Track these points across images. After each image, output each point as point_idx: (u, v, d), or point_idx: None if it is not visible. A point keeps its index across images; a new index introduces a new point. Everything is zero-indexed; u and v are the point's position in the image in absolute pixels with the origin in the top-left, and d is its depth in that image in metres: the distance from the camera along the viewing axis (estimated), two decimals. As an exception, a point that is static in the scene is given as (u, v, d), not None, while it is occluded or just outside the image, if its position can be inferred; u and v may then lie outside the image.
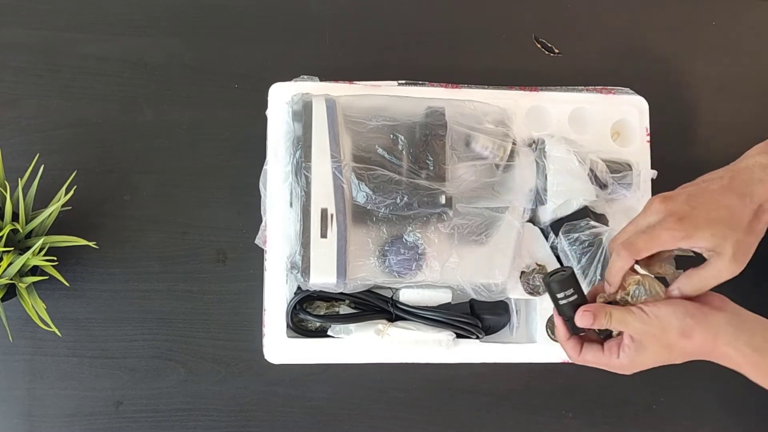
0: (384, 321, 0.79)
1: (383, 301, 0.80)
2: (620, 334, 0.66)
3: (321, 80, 0.82)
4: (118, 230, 0.85)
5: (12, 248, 0.72)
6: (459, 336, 0.80)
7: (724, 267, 0.62)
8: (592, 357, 0.66)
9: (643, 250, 0.63)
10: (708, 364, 0.93)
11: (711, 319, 0.62)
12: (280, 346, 0.79)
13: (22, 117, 0.85)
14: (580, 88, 0.89)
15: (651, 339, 0.62)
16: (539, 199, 0.80)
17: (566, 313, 0.66)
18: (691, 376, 0.92)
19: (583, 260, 0.78)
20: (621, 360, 0.64)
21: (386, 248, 0.77)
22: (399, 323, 0.79)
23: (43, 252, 0.72)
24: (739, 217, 0.62)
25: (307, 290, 0.77)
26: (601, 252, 0.78)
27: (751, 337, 0.62)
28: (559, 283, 0.66)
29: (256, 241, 0.80)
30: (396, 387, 0.87)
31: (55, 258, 0.73)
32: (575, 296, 0.66)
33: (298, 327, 0.80)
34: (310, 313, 0.79)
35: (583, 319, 0.64)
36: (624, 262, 0.63)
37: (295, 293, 0.79)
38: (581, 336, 0.68)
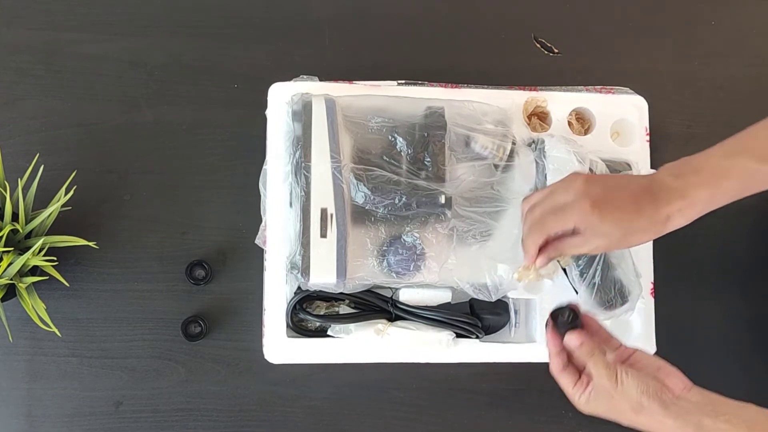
0: (384, 321, 0.79)
1: (383, 301, 0.80)
2: None
3: (321, 80, 0.82)
4: (118, 230, 0.85)
5: (12, 248, 0.72)
6: (459, 336, 0.80)
7: (594, 247, 0.67)
8: (564, 382, 0.69)
9: (554, 230, 0.68)
10: (708, 364, 0.93)
11: (663, 405, 0.64)
12: (280, 346, 0.79)
13: (22, 117, 0.85)
14: (580, 88, 0.89)
15: (608, 398, 0.66)
16: (539, 199, 0.80)
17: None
18: (690, 376, 0.92)
19: (581, 262, 0.78)
20: (580, 399, 0.67)
21: (385, 248, 0.77)
22: (399, 323, 0.79)
23: (43, 252, 0.72)
24: (635, 231, 0.66)
25: (307, 290, 0.77)
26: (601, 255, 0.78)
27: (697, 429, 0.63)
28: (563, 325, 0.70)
29: (256, 241, 0.80)
30: (396, 387, 0.87)
31: (54, 258, 0.73)
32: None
33: (298, 327, 0.80)
34: (310, 313, 0.79)
35: (571, 340, 0.69)
36: (536, 238, 0.69)
37: (295, 293, 0.79)
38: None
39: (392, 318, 0.80)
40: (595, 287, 0.77)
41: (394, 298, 0.80)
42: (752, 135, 0.67)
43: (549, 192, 0.69)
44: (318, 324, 0.80)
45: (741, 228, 0.95)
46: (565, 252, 0.69)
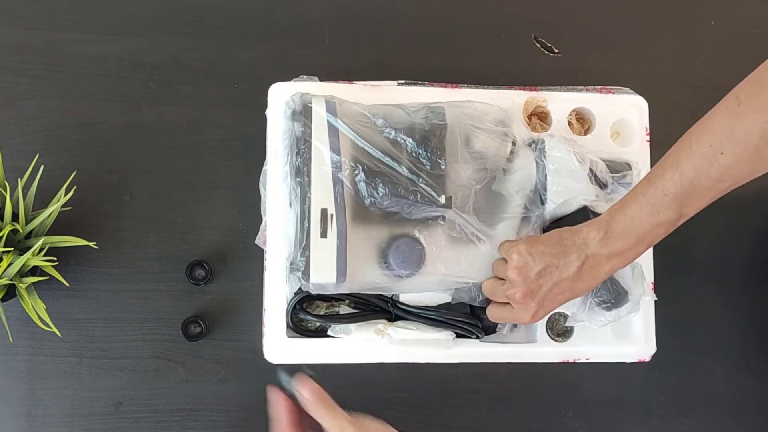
0: (384, 321, 0.79)
1: (383, 301, 0.80)
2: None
3: (321, 80, 0.82)
4: (118, 230, 0.85)
5: (12, 248, 0.72)
6: (459, 336, 0.80)
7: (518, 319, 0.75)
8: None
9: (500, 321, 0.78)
10: (708, 365, 0.93)
11: None
12: (280, 346, 0.79)
13: (22, 117, 0.85)
14: (580, 88, 0.89)
15: None
16: (539, 199, 0.80)
17: None
18: (691, 376, 0.92)
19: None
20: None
21: (386, 248, 0.77)
22: (399, 323, 0.79)
23: (43, 252, 0.72)
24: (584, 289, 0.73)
25: (307, 290, 0.77)
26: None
27: None
28: None
29: (256, 241, 0.80)
30: (396, 387, 0.87)
31: (55, 258, 0.73)
32: None
33: (298, 327, 0.80)
34: (310, 313, 0.79)
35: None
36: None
37: (295, 293, 0.79)
38: None
39: (392, 318, 0.80)
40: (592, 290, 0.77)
41: (394, 298, 0.80)
42: (663, 189, 0.68)
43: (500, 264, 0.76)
44: (318, 324, 0.80)
45: (741, 228, 0.95)
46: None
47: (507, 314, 0.75)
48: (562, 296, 0.72)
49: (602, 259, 0.70)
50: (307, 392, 0.62)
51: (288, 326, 0.79)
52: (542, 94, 0.85)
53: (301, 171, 0.75)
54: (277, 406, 0.63)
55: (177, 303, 0.84)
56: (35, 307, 0.73)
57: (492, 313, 0.77)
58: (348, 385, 0.86)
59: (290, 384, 0.63)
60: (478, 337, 0.81)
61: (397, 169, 0.76)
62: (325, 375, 0.85)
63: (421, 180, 0.76)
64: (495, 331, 0.83)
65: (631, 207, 0.69)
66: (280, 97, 0.80)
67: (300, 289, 0.78)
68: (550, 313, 0.77)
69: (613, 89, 0.89)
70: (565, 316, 0.82)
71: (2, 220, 0.72)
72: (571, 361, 0.82)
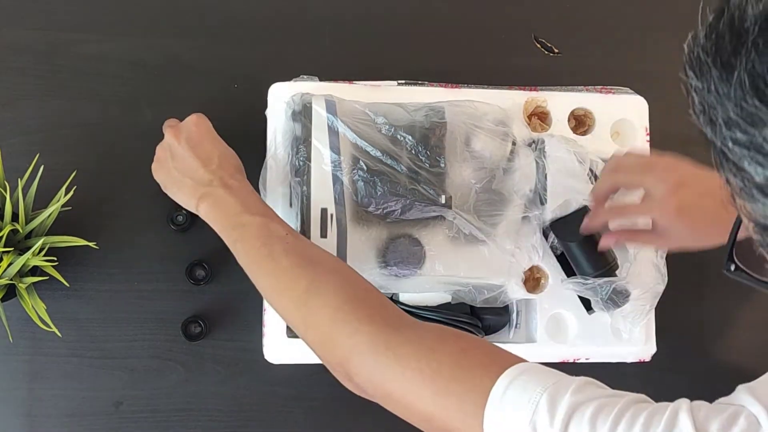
0: (384, 321, 0.79)
1: (383, 301, 0.79)
2: None
3: (321, 80, 0.82)
4: (118, 230, 0.85)
5: (12, 248, 0.72)
6: (459, 336, 0.80)
7: (667, 246, 0.71)
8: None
9: (629, 212, 0.71)
10: (707, 366, 0.93)
11: None
12: (280, 346, 0.79)
13: (22, 117, 0.85)
14: (580, 87, 0.89)
15: None
16: (539, 198, 0.80)
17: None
18: (691, 376, 0.92)
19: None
20: None
21: (386, 248, 0.77)
22: (399, 323, 0.79)
23: (43, 252, 0.72)
24: (723, 228, 0.63)
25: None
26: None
27: None
28: None
29: (257, 241, 0.80)
30: (396, 387, 0.87)
31: (55, 258, 0.73)
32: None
33: (298, 327, 0.80)
34: (310, 313, 0.79)
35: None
36: (601, 201, 0.73)
37: (295, 293, 0.79)
38: None
39: (392, 318, 0.80)
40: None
41: (394, 298, 0.80)
42: None
43: (643, 167, 0.70)
44: (318, 324, 0.80)
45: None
46: (638, 244, 0.71)
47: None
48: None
49: None
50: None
51: (288, 326, 0.79)
52: (542, 94, 0.85)
53: (301, 171, 0.75)
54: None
55: (177, 303, 0.84)
56: (35, 307, 0.73)
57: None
58: (348, 385, 0.86)
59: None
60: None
61: (397, 168, 0.76)
62: (325, 375, 0.85)
63: (420, 179, 0.76)
64: (495, 331, 0.83)
65: None
66: (280, 97, 0.80)
67: (300, 289, 0.78)
68: None
69: (613, 89, 0.89)
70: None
71: (2, 220, 0.72)
72: (571, 361, 0.82)
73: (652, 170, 0.70)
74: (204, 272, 0.84)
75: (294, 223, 0.77)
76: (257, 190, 0.81)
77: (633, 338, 0.83)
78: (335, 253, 0.74)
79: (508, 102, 0.83)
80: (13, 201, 0.73)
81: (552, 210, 0.80)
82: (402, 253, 0.77)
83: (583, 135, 0.86)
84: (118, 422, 0.82)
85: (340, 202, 0.75)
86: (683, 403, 0.50)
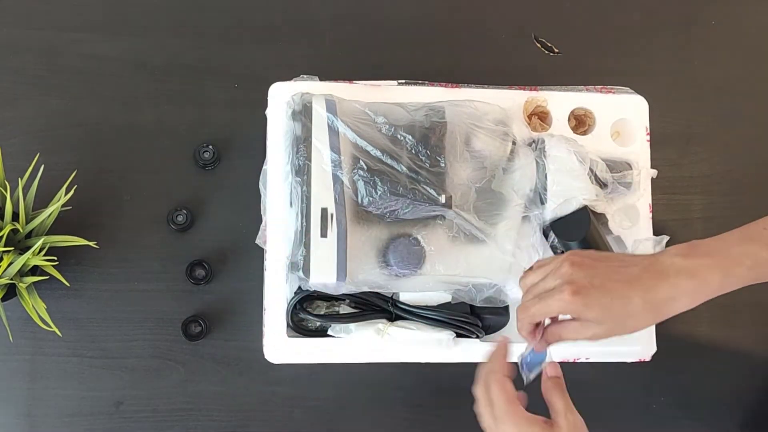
0: (384, 321, 0.79)
1: (383, 300, 0.80)
2: None
3: (321, 80, 0.82)
4: (118, 230, 0.85)
5: (12, 248, 0.72)
6: (459, 336, 0.80)
7: (591, 334, 0.65)
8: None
9: (537, 318, 0.66)
10: (707, 366, 0.93)
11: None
12: (280, 346, 0.79)
13: (22, 117, 0.85)
14: (580, 87, 0.89)
15: None
16: (539, 198, 0.80)
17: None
18: (691, 376, 0.92)
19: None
20: None
21: (386, 248, 0.77)
22: (399, 323, 0.79)
23: (43, 252, 0.72)
24: (631, 315, 0.63)
25: (307, 290, 0.77)
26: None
27: None
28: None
29: (257, 241, 0.80)
30: (396, 387, 0.87)
31: (55, 258, 0.73)
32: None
33: (298, 327, 0.80)
34: (310, 312, 0.79)
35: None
36: (524, 325, 0.68)
37: (295, 293, 0.79)
38: None
39: (392, 318, 0.80)
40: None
41: (394, 297, 0.80)
42: (764, 225, 0.64)
43: (541, 274, 0.67)
44: (318, 324, 0.80)
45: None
46: (564, 338, 0.67)
47: (544, 303, 0.65)
48: (616, 276, 0.63)
49: (672, 269, 0.62)
50: (552, 370, 0.68)
51: (288, 326, 0.79)
52: (542, 94, 0.85)
53: (301, 170, 0.75)
54: (499, 352, 0.68)
55: (177, 303, 0.84)
56: (35, 307, 0.73)
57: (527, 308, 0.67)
58: (348, 385, 0.86)
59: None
60: (478, 337, 0.81)
61: (397, 168, 0.76)
62: (325, 375, 0.86)
63: (421, 178, 0.76)
64: (495, 331, 0.83)
65: (722, 235, 0.64)
66: (280, 96, 0.80)
67: (300, 288, 0.78)
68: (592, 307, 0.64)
69: (613, 89, 0.89)
70: None
71: (2, 220, 0.72)
72: (571, 361, 0.82)
73: (547, 270, 0.66)
74: (204, 272, 0.84)
75: (294, 223, 0.77)
76: (257, 189, 0.81)
77: (633, 338, 0.83)
78: (335, 253, 0.74)
79: (508, 102, 0.83)
80: (13, 201, 0.73)
81: (552, 210, 0.80)
82: (402, 252, 0.77)
83: (583, 135, 0.86)
84: (118, 422, 0.82)
85: (340, 201, 0.75)
86: None
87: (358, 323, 0.78)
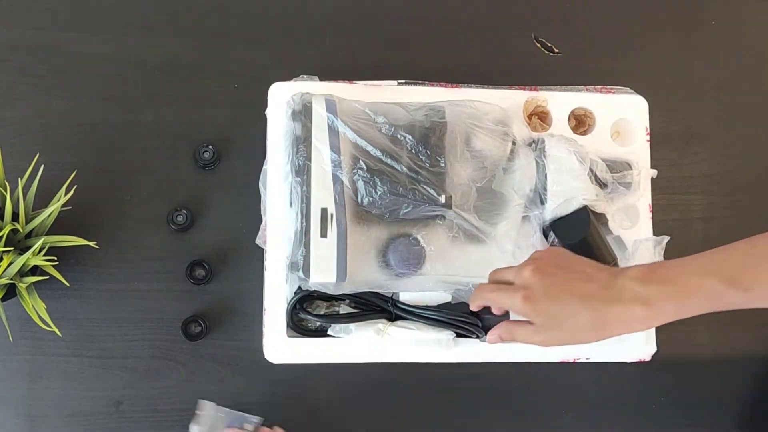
0: (384, 320, 0.79)
1: (383, 300, 0.80)
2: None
3: (321, 80, 0.82)
4: (118, 230, 0.85)
5: (12, 248, 0.72)
6: (459, 335, 0.80)
7: (541, 340, 0.67)
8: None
9: (489, 303, 0.70)
10: (707, 366, 0.93)
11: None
12: (280, 346, 0.79)
13: (22, 117, 0.85)
14: (580, 87, 0.89)
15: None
16: (539, 198, 0.80)
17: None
18: (691, 377, 0.92)
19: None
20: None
21: (386, 248, 0.77)
22: (399, 323, 0.79)
23: (43, 252, 0.72)
24: (577, 330, 0.64)
25: (307, 290, 0.77)
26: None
27: None
28: None
29: (257, 241, 0.80)
30: (396, 387, 0.87)
31: (55, 258, 0.73)
32: None
33: (298, 327, 0.80)
34: (310, 312, 0.79)
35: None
36: (475, 302, 0.72)
37: (295, 293, 0.79)
38: None
39: (392, 318, 0.80)
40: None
41: (394, 297, 0.80)
42: (724, 256, 0.63)
43: (511, 270, 0.69)
44: (318, 324, 0.80)
45: (740, 229, 0.95)
46: (515, 338, 0.68)
47: (500, 294, 0.68)
48: (571, 289, 0.64)
49: (627, 294, 0.62)
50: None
51: (288, 326, 0.79)
52: (542, 94, 0.85)
53: (301, 170, 0.75)
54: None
55: (177, 303, 0.84)
56: (35, 307, 0.73)
57: (483, 294, 0.70)
58: (348, 385, 0.86)
59: None
60: (478, 337, 0.81)
61: (397, 168, 0.76)
62: (325, 375, 0.86)
63: (421, 178, 0.76)
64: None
65: (685, 259, 0.64)
66: (280, 96, 0.80)
67: (300, 288, 0.78)
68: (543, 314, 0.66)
69: (613, 89, 0.89)
70: None
71: (2, 220, 0.72)
72: (571, 360, 0.82)
73: (518, 267, 0.68)
74: (204, 272, 0.84)
75: (294, 222, 0.77)
76: (257, 189, 0.81)
77: (633, 338, 0.83)
78: (335, 253, 0.74)
79: (508, 102, 0.83)
80: (13, 201, 0.73)
81: (552, 210, 0.80)
82: (402, 252, 0.77)
83: (583, 135, 0.86)
84: (118, 422, 0.82)
85: (340, 201, 0.75)
86: None
87: (358, 323, 0.79)
